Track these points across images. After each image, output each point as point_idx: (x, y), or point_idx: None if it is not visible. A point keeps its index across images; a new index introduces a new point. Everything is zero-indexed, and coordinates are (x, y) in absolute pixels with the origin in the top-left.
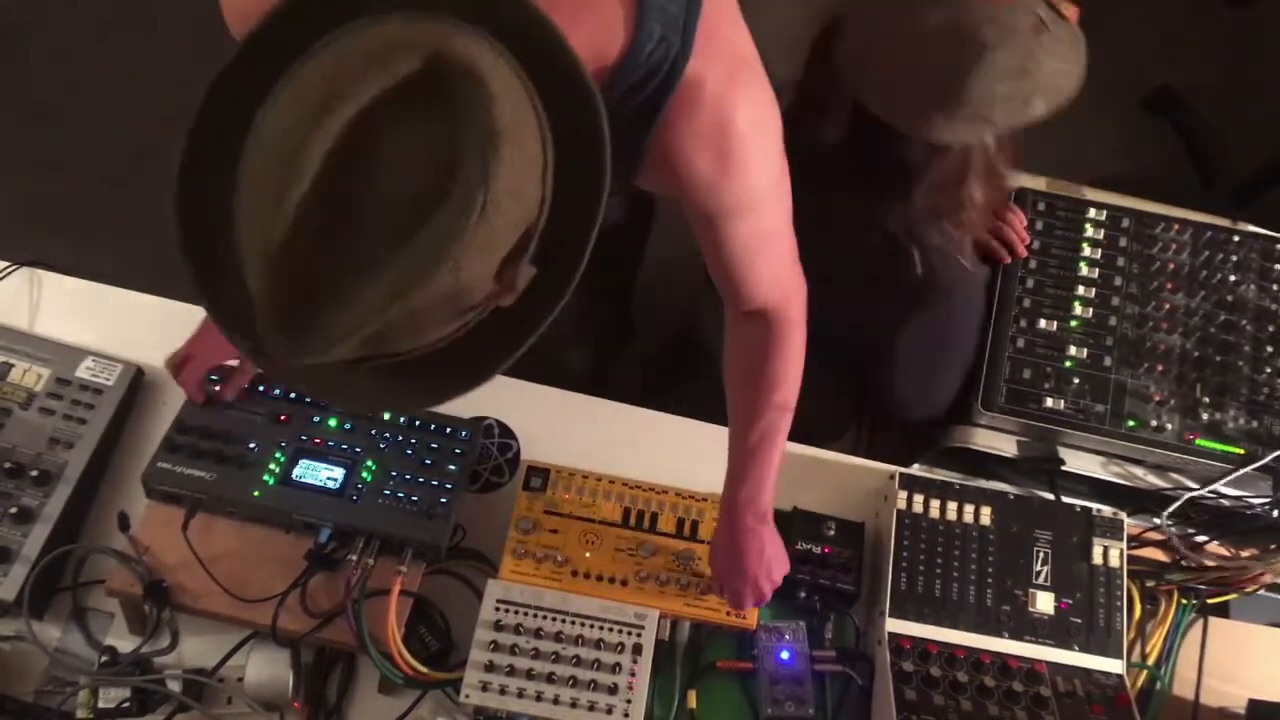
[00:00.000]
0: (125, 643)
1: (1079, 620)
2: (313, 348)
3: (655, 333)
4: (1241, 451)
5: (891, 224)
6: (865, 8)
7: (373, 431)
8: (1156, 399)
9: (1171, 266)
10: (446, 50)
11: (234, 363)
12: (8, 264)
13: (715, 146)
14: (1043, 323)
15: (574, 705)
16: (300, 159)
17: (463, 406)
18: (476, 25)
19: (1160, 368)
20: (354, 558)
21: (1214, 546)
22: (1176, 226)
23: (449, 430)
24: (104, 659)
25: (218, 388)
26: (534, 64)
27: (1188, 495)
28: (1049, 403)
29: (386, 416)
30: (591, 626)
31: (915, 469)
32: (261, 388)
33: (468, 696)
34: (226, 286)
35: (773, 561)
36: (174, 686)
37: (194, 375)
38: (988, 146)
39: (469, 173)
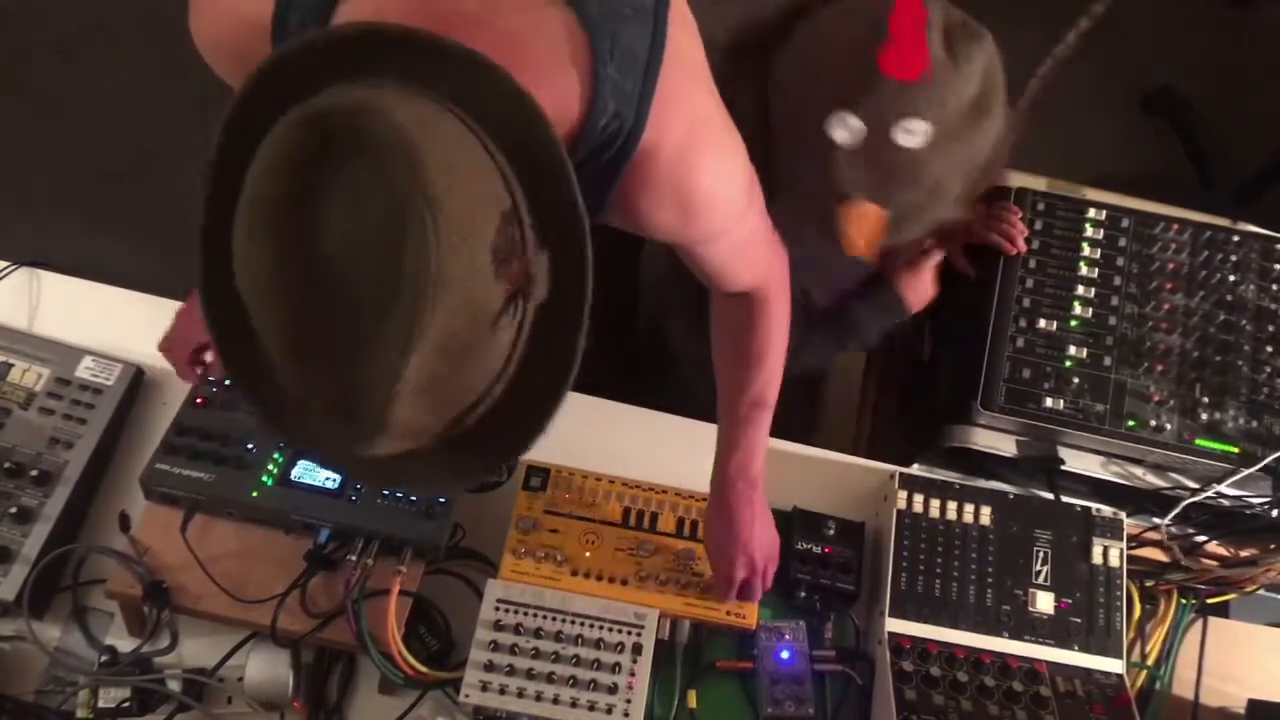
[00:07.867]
0: (125, 643)
1: (1079, 620)
2: (370, 420)
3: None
4: (1241, 451)
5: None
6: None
7: None
8: (1156, 399)
9: (1171, 266)
10: (341, 107)
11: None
12: (8, 264)
13: (676, 203)
14: (1042, 323)
15: (574, 705)
16: (261, 265)
17: None
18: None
19: (1160, 368)
20: (353, 558)
21: (1214, 546)
22: (1176, 226)
23: None
24: (104, 659)
25: (208, 362)
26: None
27: (1188, 499)
28: (1049, 402)
29: None
30: (591, 626)
31: (915, 469)
32: None
33: (468, 696)
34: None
35: (763, 534)
36: (174, 686)
37: (180, 356)
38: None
39: (402, 189)
